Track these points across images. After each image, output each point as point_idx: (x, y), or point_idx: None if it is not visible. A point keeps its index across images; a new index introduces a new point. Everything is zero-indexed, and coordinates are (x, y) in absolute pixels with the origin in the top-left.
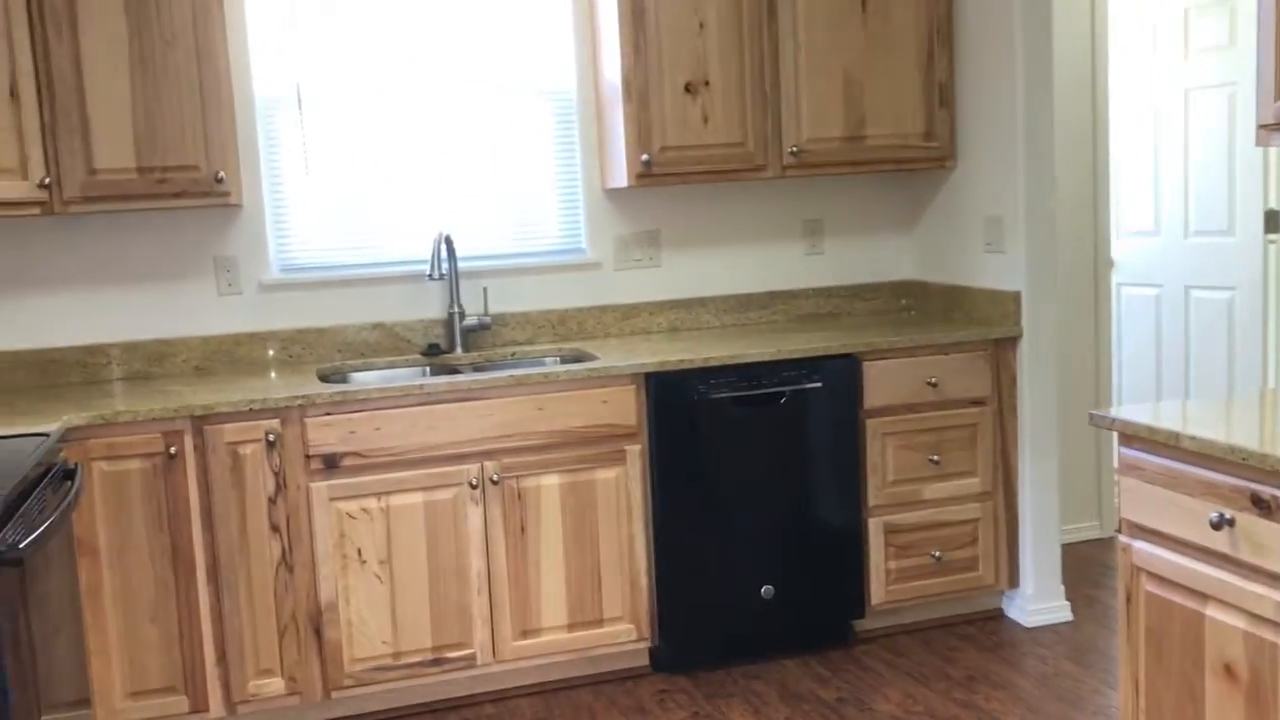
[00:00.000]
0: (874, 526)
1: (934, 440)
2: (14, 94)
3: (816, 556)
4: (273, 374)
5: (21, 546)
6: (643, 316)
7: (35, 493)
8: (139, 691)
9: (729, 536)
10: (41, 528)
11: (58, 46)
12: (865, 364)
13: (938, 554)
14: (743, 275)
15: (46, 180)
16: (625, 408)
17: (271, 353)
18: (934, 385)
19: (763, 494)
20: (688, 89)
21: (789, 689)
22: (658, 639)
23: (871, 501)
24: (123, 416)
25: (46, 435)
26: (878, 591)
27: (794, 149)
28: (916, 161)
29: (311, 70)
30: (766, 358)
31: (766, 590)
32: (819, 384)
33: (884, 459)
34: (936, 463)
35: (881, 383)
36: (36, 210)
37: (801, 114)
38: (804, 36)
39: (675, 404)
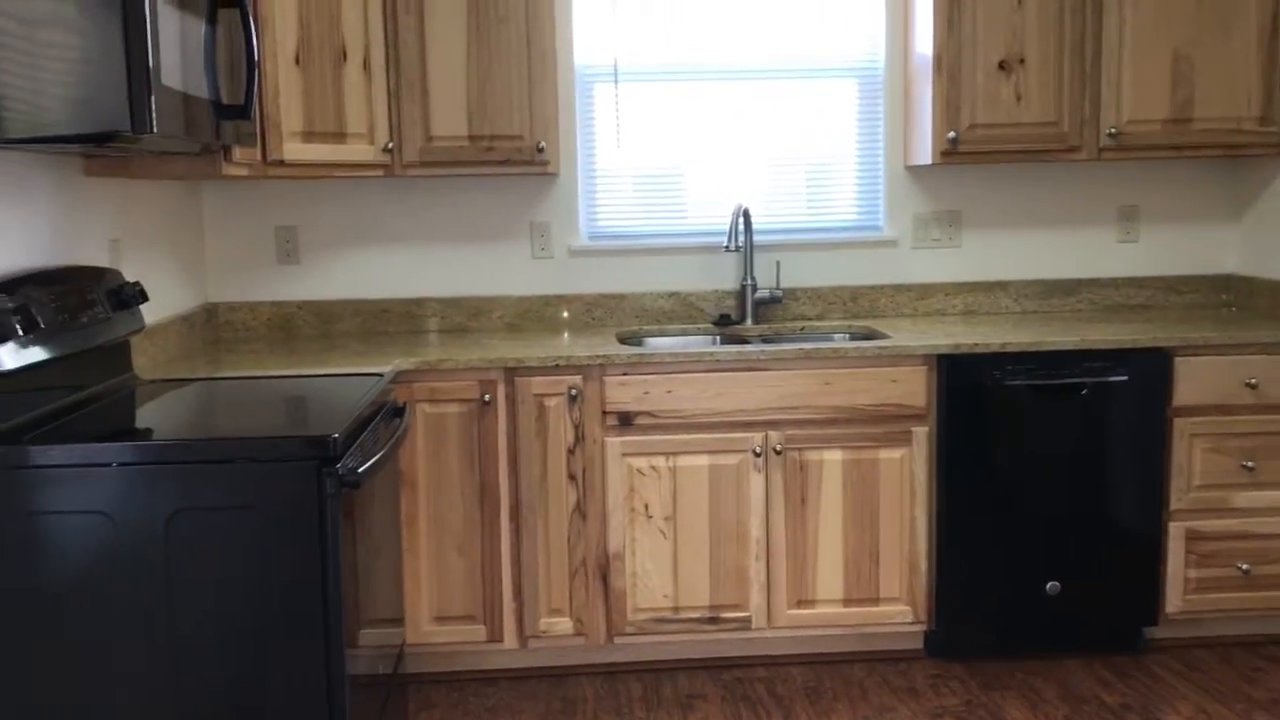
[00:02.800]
0: (1174, 531)
1: (1249, 445)
2: (366, 65)
3: (1109, 557)
4: (576, 334)
5: (360, 472)
6: (938, 298)
7: (370, 426)
8: (443, 617)
9: (1016, 527)
10: (375, 457)
11: (405, 20)
12: (1177, 359)
13: (1245, 567)
14: (1047, 260)
15: (390, 145)
16: (915, 389)
17: (575, 315)
18: (1253, 387)
19: (1055, 487)
20: (1001, 66)
21: (1069, 689)
22: (934, 624)
23: (1174, 505)
24: (445, 364)
25: (380, 376)
26: (1174, 600)
27: (1112, 130)
28: (1249, 147)
29: (628, 44)
30: (1069, 347)
31: (1052, 586)
32: (1124, 377)
33: (1191, 461)
34: (1251, 469)
35: (1194, 380)
36: (379, 172)
37: (1123, 94)
38: (1130, 12)
39: (968, 388)
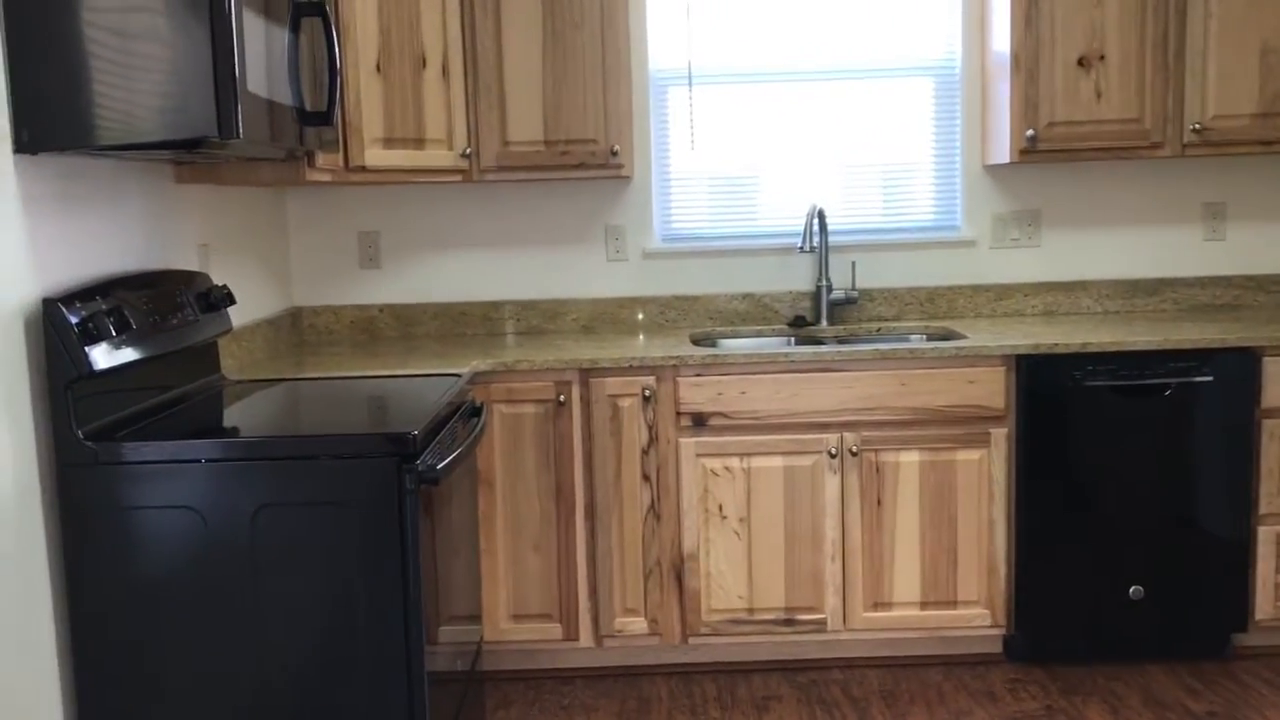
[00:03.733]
0: (1264, 536)
1: None
2: (445, 72)
3: (1195, 561)
4: (650, 336)
5: (439, 468)
6: (1017, 298)
7: (448, 425)
8: (520, 615)
9: (1098, 530)
10: (454, 454)
11: (483, 27)
12: (1265, 359)
13: None
14: (1130, 259)
15: (468, 151)
16: (993, 389)
17: (650, 316)
18: None
19: (1138, 489)
20: (1080, 62)
21: (1153, 695)
22: (1013, 627)
23: (1263, 509)
24: (521, 365)
25: (459, 376)
26: (1264, 606)
27: (1197, 126)
28: None
29: (702, 47)
30: (1151, 346)
31: (1135, 590)
32: (1210, 378)
33: None
34: None
35: None
36: (458, 178)
37: (1208, 88)
38: (1216, 5)
39: (1047, 389)
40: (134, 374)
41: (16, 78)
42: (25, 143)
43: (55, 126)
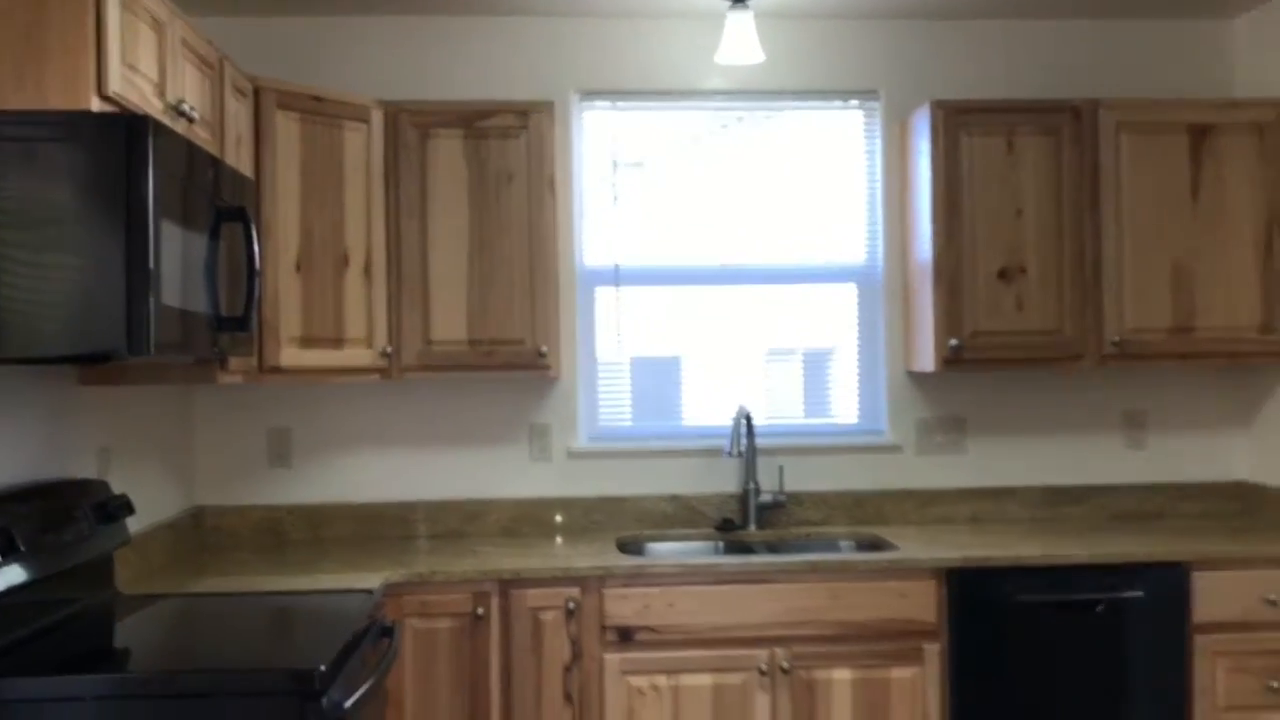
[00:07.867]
0: None
1: (1274, 664)
2: (368, 270)
3: None
4: (574, 539)
5: (345, 707)
6: (944, 504)
7: (358, 650)
8: None
9: None
10: (362, 689)
11: (409, 226)
12: (1194, 574)
13: None
14: (1054, 467)
15: (388, 349)
16: (925, 603)
17: (574, 518)
18: (1274, 603)
19: (1074, 711)
20: (1001, 275)
21: None
22: None
23: None
24: (437, 576)
25: (369, 593)
26: None
27: (1116, 339)
28: (1252, 356)
29: (629, 248)
30: (1081, 561)
31: None
32: (1140, 593)
33: (1214, 682)
34: (1277, 690)
35: (1213, 596)
36: (376, 376)
37: (1125, 303)
38: (1129, 224)
39: (979, 604)
40: (19, 597)
41: None
42: None
43: None
